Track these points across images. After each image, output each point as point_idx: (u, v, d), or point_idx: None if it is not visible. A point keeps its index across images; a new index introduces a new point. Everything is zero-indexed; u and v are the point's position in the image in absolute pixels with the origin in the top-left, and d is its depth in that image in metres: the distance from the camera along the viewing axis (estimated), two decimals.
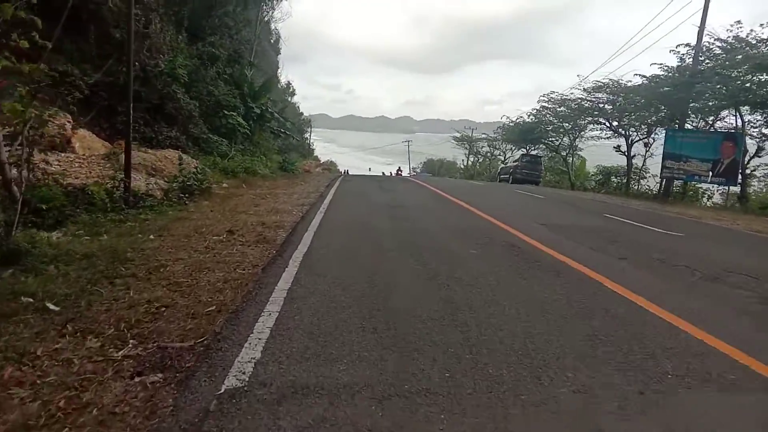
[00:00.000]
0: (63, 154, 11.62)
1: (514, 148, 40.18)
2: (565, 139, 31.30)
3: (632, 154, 25.29)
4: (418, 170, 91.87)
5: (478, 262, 5.46)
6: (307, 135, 68.54)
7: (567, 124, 29.69)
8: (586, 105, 26.44)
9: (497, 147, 44.05)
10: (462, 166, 56.79)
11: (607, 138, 27.12)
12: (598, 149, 33.50)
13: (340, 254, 5.60)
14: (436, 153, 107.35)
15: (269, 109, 22.50)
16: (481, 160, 50.20)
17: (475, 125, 55.23)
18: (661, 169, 20.36)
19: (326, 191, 13.16)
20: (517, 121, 34.09)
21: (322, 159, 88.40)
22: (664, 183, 21.10)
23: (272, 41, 56.48)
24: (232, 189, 12.68)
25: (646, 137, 24.44)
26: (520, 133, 33.30)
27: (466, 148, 51.48)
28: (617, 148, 25.64)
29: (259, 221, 7.56)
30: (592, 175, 31.67)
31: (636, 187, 25.97)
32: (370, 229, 7.31)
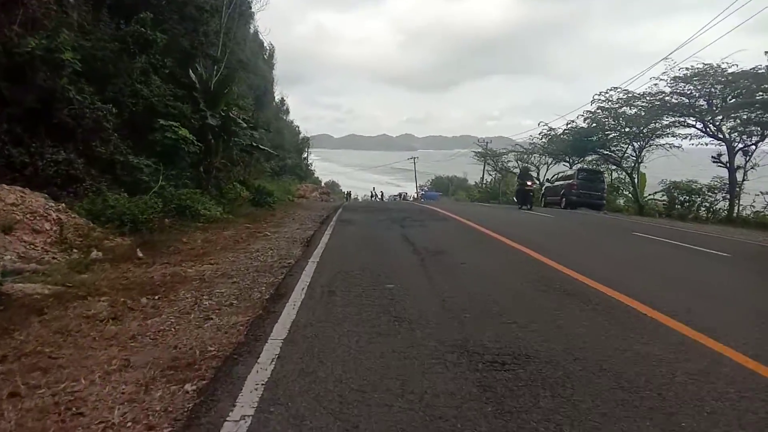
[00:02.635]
0: None
1: (551, 161, 33.30)
2: (628, 148, 24.38)
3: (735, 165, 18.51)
4: (426, 189, 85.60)
5: None
6: (305, 155, 61.70)
7: (632, 128, 22.80)
8: (673, 101, 19.56)
9: (528, 161, 37.04)
10: (479, 184, 49.80)
11: (692, 144, 20.35)
12: (655, 161, 26.57)
13: None
14: (441, 170, 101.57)
15: (235, 118, 15.80)
16: (504, 177, 43.01)
17: (488, 140, 48.34)
18: None
19: (305, 256, 6.42)
20: (569, 127, 27.20)
21: (324, 179, 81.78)
22: None
23: (265, 56, 50.59)
24: (101, 266, 5.94)
25: (760, 140, 17.63)
26: (574, 141, 26.38)
27: (488, 164, 44.47)
28: (716, 159, 18.85)
29: None
30: (656, 193, 24.80)
31: (737, 210, 19.18)
32: None
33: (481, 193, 44.43)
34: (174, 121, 13.35)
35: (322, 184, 62.69)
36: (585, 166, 25.52)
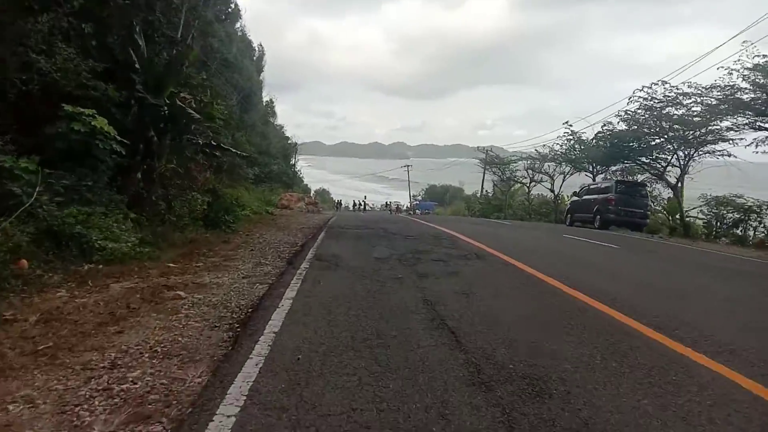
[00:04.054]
0: None
1: (570, 171, 29.44)
2: (673, 156, 20.57)
3: None
4: (420, 199, 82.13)
5: None
6: (293, 161, 57.53)
7: (681, 131, 19.09)
8: (744, 98, 15.81)
9: (541, 170, 33.17)
10: (480, 195, 45.86)
11: (756, 152, 16.79)
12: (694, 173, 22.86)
13: None
14: (434, 179, 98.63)
15: (184, 107, 11.80)
16: (513, 189, 38.91)
17: (488, 147, 44.77)
18: None
19: (208, 399, 2.58)
20: (604, 129, 23.20)
21: (314, 187, 77.40)
22: None
23: (253, 57, 46.92)
24: None
25: None
26: (611, 147, 22.44)
27: (494, 173, 40.45)
28: None
29: None
30: (693, 209, 21.21)
31: None
32: None
33: (483, 206, 40.32)
34: (92, 108, 9.34)
35: (312, 193, 59.17)
36: (620, 177, 21.75)
